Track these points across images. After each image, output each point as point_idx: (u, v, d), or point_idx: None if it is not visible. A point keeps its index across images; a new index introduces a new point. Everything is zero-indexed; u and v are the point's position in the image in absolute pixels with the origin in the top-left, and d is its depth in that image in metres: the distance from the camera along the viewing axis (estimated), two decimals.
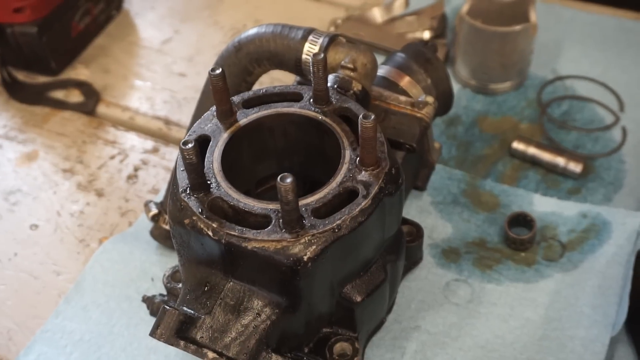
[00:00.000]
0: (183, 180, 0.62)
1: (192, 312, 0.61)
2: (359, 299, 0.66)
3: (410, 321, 0.76)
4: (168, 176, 0.94)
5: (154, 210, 0.82)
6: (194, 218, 0.60)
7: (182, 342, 0.59)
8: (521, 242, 0.80)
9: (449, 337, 0.74)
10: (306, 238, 0.58)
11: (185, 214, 0.61)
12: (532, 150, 0.90)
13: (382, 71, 0.81)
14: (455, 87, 0.99)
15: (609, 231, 0.80)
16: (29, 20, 1.02)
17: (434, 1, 1.11)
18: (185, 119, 1.01)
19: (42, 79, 1.08)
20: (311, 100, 0.68)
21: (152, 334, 0.59)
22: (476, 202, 0.86)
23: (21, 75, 1.08)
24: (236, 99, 0.69)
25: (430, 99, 0.78)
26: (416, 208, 0.85)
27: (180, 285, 0.74)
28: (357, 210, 0.60)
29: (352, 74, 0.71)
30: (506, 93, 1.00)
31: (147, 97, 1.06)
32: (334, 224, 0.59)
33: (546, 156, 0.89)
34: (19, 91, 1.06)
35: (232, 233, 0.59)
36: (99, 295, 0.80)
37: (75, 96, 1.06)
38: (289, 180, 0.55)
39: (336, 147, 0.65)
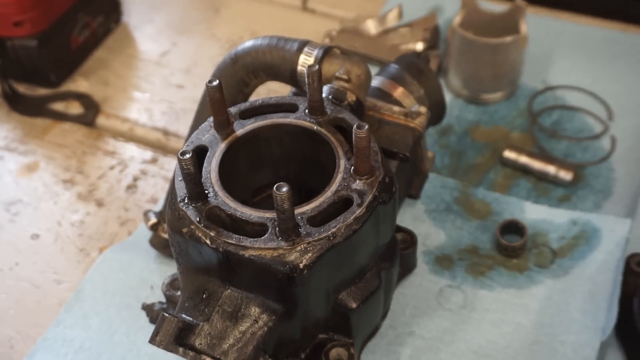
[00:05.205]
0: (181, 189, 0.63)
1: (191, 319, 0.61)
2: (354, 305, 0.66)
3: (404, 327, 0.76)
4: (167, 186, 0.95)
5: (153, 220, 0.82)
6: (192, 227, 0.61)
7: (180, 349, 0.59)
8: (513, 249, 0.81)
9: (442, 342, 0.75)
10: (302, 246, 0.59)
11: (183, 223, 0.61)
12: (523, 159, 0.91)
13: (376, 82, 0.82)
14: (448, 97, 1.00)
15: (599, 238, 0.81)
16: (29, 34, 1.03)
17: (427, 13, 1.12)
18: (183, 130, 1.02)
19: (42, 92, 1.09)
20: (306, 110, 0.69)
21: (152, 341, 0.60)
22: (469, 210, 0.87)
23: (22, 88, 1.08)
24: (233, 109, 0.70)
25: (423, 109, 0.79)
26: (410, 216, 0.86)
27: (179, 292, 0.74)
28: (351, 218, 0.61)
29: (346, 85, 0.72)
30: (498, 103, 1.01)
31: (145, 109, 1.07)
32: (329, 232, 0.60)
33: (537, 165, 0.91)
34: (19, 103, 1.07)
35: (230, 241, 0.59)
36: (99, 304, 0.80)
37: (75, 108, 1.06)
38: (284, 189, 0.56)
39: (331, 156, 0.66)
